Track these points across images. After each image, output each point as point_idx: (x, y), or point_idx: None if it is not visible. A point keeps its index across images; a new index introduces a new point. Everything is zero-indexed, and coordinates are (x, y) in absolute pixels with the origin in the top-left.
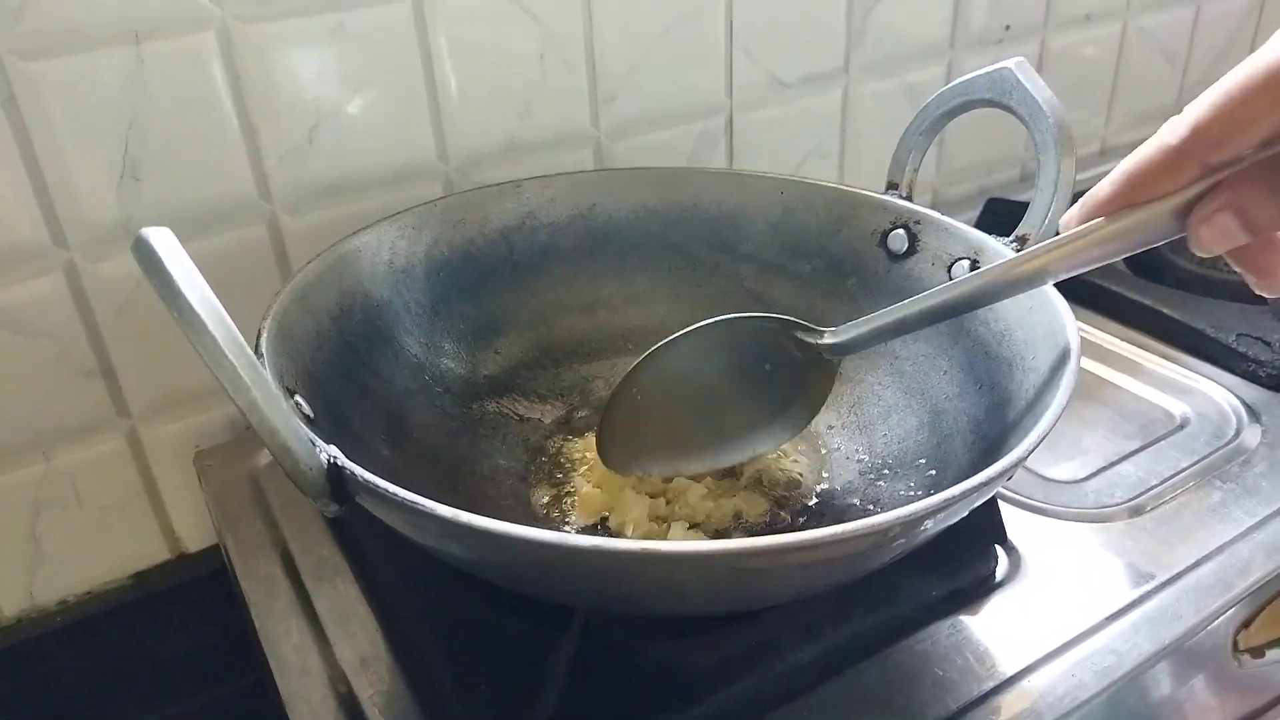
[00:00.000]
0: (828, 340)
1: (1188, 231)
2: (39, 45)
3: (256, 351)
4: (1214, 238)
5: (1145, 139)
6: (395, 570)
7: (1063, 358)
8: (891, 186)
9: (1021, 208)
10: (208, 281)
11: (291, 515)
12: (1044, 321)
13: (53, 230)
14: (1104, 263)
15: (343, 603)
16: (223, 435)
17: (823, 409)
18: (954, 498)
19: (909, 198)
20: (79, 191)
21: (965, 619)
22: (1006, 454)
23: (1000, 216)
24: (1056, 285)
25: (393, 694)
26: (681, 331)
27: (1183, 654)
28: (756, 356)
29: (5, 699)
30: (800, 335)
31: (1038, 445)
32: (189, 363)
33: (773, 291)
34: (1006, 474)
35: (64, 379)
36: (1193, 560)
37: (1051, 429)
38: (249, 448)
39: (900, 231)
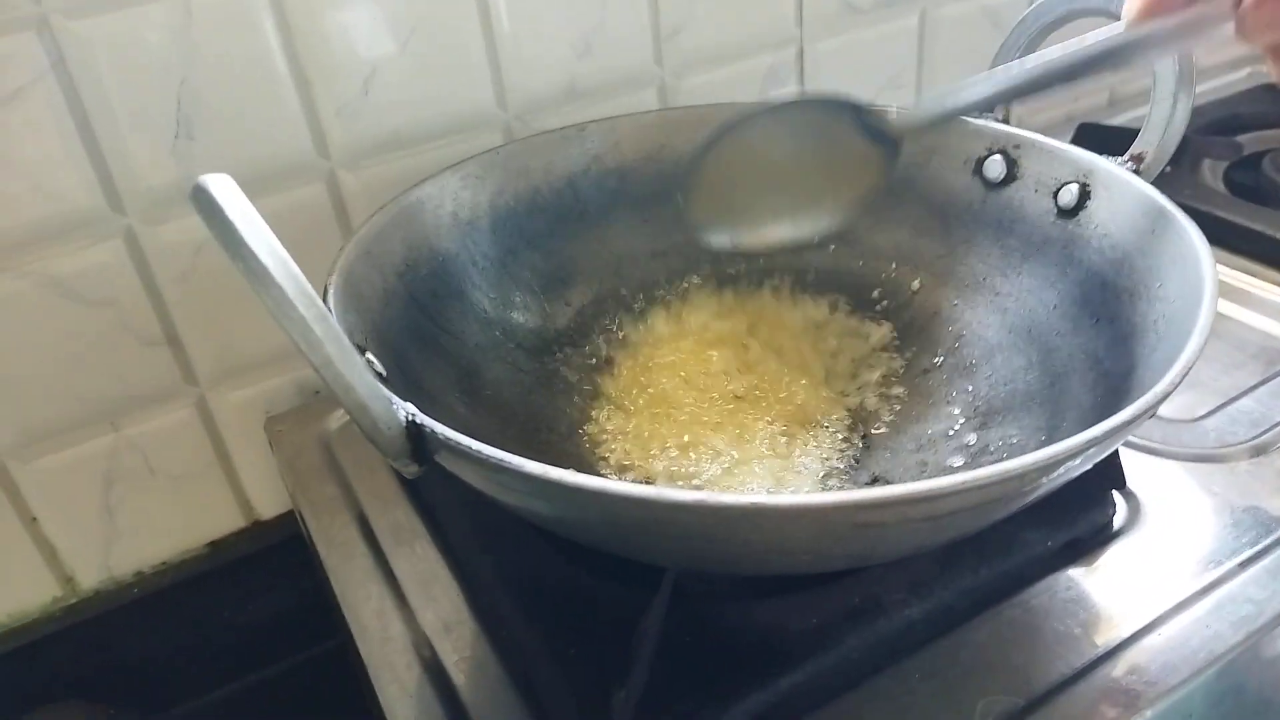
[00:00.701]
0: (894, 120)
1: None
2: (84, 4)
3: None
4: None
5: (1238, 59)
6: (474, 531)
7: (1198, 283)
8: (986, 110)
9: (1118, 132)
10: None
11: (365, 478)
12: (1170, 247)
13: (109, 195)
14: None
15: (422, 566)
16: (292, 400)
17: (921, 347)
18: (1094, 439)
19: (1006, 120)
20: (133, 154)
21: (1083, 571)
22: (1147, 389)
23: (1095, 144)
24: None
25: (478, 659)
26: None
27: None
28: (825, 139)
29: (86, 672)
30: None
31: (1183, 377)
32: (255, 327)
33: (855, 227)
34: (1148, 412)
35: (129, 348)
36: None
37: (1195, 361)
38: (319, 412)
39: (997, 157)
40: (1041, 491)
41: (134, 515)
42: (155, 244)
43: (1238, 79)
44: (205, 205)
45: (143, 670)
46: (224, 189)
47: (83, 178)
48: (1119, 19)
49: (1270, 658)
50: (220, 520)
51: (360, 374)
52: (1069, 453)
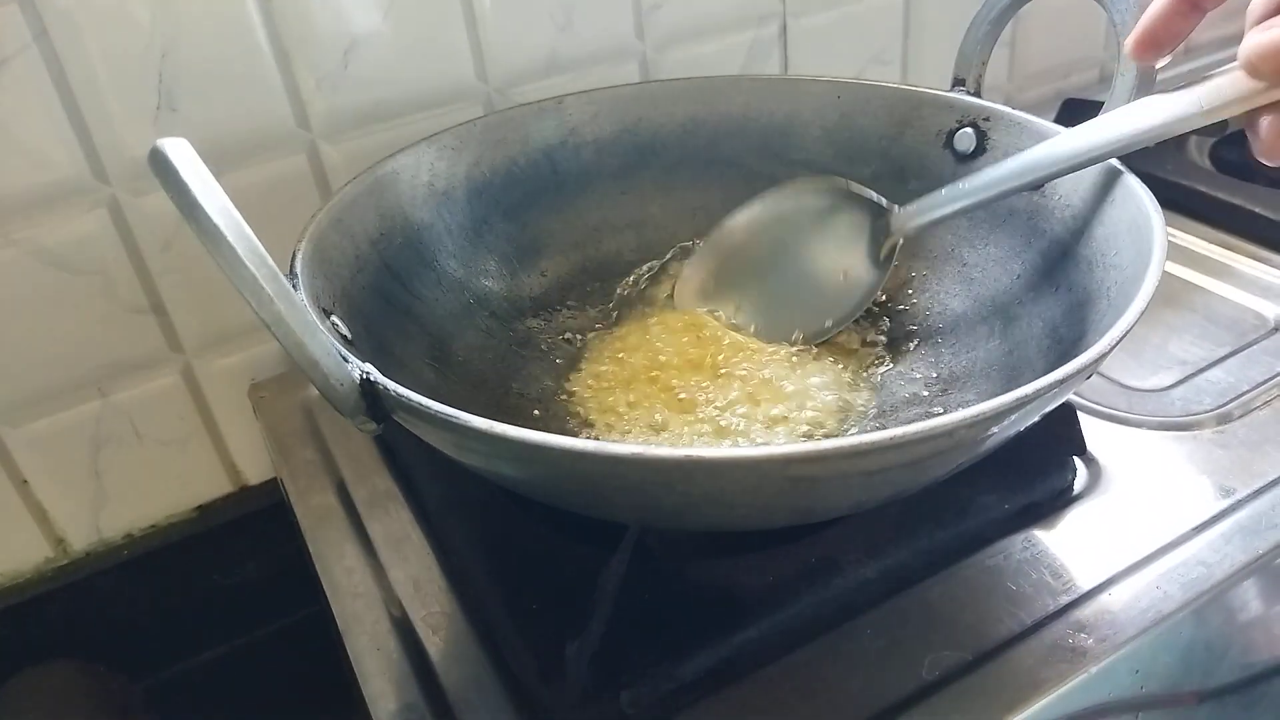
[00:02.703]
0: (896, 217)
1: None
2: None
3: (291, 273)
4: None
5: (1232, 36)
6: (446, 494)
7: (1147, 250)
8: (958, 83)
9: (1100, 107)
10: (249, 212)
11: (345, 444)
12: (1126, 214)
13: (93, 165)
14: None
15: (395, 528)
16: (276, 368)
17: (888, 316)
18: (1023, 398)
19: (978, 94)
20: (116, 125)
21: (1041, 533)
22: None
23: (1078, 119)
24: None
25: (445, 614)
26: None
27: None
28: (824, 227)
29: (75, 631)
30: (871, 209)
31: (1118, 343)
32: (238, 296)
33: None
34: (1082, 374)
35: (114, 316)
36: None
37: (1133, 326)
38: (302, 379)
39: (968, 130)
40: (976, 453)
41: (122, 479)
42: (139, 214)
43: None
44: (161, 167)
45: (133, 630)
46: (179, 152)
47: (67, 149)
48: None
49: (1218, 617)
50: (208, 485)
51: (313, 332)
52: (994, 412)
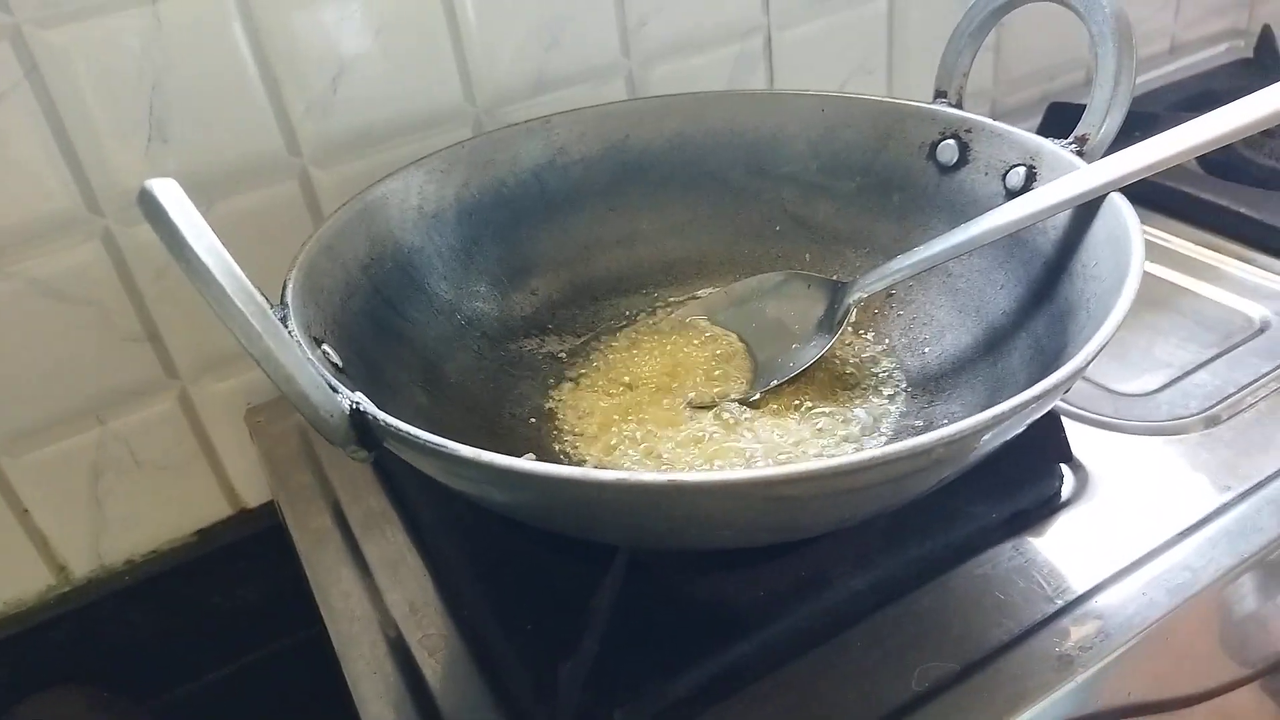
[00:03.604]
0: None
1: None
2: (56, 14)
3: (282, 303)
4: None
5: (1219, 32)
6: (440, 516)
7: (1125, 262)
8: (940, 95)
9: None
10: (242, 239)
11: (341, 468)
12: (1105, 225)
13: (86, 197)
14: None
15: (391, 551)
16: (272, 391)
17: (875, 330)
18: (999, 415)
19: (959, 105)
20: (109, 157)
21: (1029, 541)
22: (1052, 373)
23: (1064, 121)
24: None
25: (441, 637)
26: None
27: (1266, 568)
28: (789, 305)
29: (79, 657)
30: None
31: (1093, 358)
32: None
33: (815, 213)
34: (1058, 390)
35: (111, 344)
36: (1273, 469)
37: (1110, 339)
38: None
39: (950, 142)
40: (960, 467)
41: (122, 505)
42: (132, 243)
43: (1215, 54)
44: (150, 208)
45: (136, 655)
46: (168, 193)
47: (61, 182)
48: (1062, 3)
49: (1203, 621)
50: (206, 509)
51: (300, 365)
52: (973, 429)
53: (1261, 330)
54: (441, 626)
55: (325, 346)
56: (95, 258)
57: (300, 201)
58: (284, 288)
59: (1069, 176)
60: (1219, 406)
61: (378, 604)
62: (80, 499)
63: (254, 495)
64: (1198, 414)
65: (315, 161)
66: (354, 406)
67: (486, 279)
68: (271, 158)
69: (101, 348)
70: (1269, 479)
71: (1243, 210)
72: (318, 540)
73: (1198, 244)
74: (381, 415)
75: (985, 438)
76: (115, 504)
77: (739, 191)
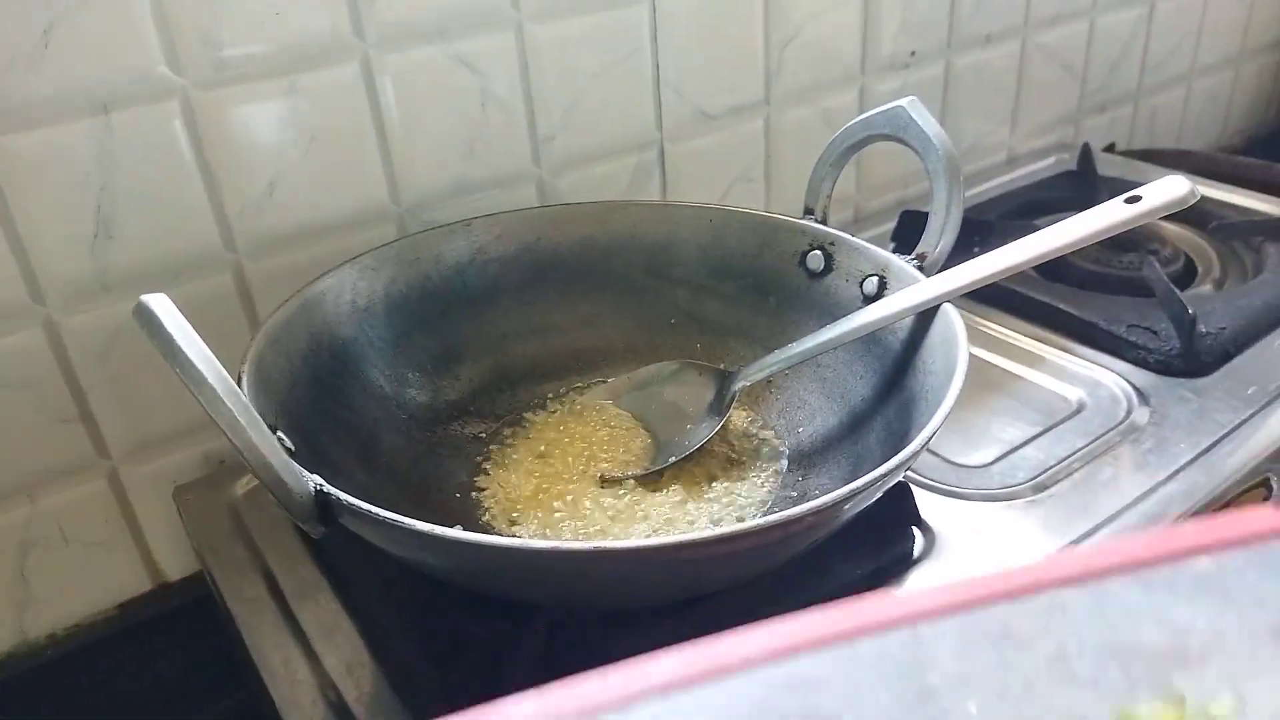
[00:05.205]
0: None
1: None
2: (11, 122)
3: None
4: None
5: (1049, 146)
6: (373, 582)
7: (953, 361)
8: (809, 212)
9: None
10: None
11: (271, 539)
12: (940, 329)
13: (31, 288)
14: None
15: (325, 616)
16: (198, 470)
17: (757, 413)
18: (858, 489)
19: (824, 221)
20: (55, 251)
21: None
22: (899, 451)
23: (912, 226)
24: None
25: (377, 695)
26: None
27: None
28: (684, 390)
29: None
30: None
31: (928, 441)
32: (164, 405)
33: (705, 310)
34: (905, 465)
35: (45, 426)
36: (1089, 528)
37: (941, 425)
38: (225, 480)
39: (817, 252)
40: (828, 530)
41: (48, 581)
42: (73, 332)
43: (1045, 165)
44: (147, 321)
45: None
46: (162, 307)
47: (6, 273)
48: (906, 144)
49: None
50: (129, 583)
51: (276, 454)
52: (836, 500)
53: (1078, 410)
54: (376, 685)
55: (279, 434)
56: (35, 344)
57: (234, 292)
58: (239, 379)
59: (911, 288)
60: (1043, 476)
61: (316, 668)
62: (7, 575)
63: (175, 569)
64: (1025, 482)
65: (249, 256)
66: (318, 488)
67: (415, 366)
68: (209, 253)
69: (35, 429)
70: (1083, 536)
71: (1062, 307)
72: (254, 609)
73: (1028, 336)
74: (343, 495)
75: (847, 507)
76: (41, 579)
77: (640, 290)
